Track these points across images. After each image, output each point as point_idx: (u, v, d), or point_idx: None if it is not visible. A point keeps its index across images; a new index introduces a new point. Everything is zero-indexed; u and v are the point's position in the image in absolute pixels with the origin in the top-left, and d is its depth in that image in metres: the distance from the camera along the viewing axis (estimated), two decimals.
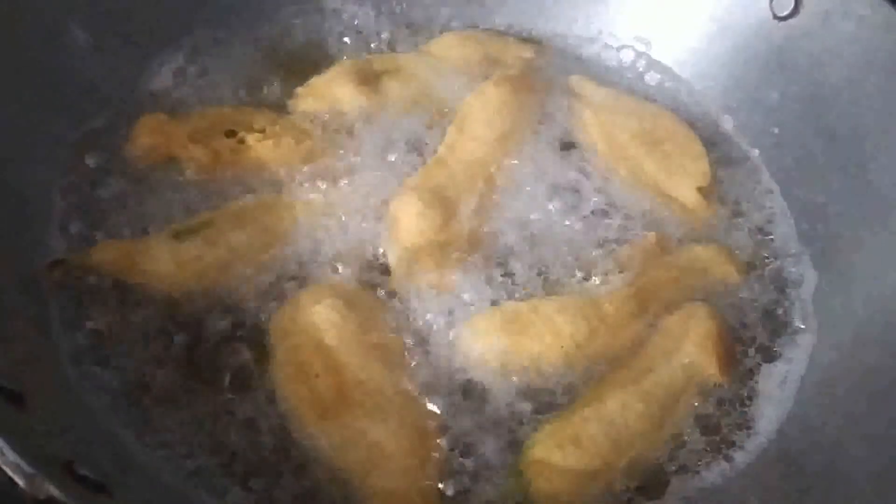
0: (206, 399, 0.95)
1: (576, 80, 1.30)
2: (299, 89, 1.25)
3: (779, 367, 1.03)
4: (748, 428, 0.98)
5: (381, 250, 1.08)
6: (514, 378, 0.98)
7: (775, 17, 1.23)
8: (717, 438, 0.97)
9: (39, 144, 1.07)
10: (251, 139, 1.14)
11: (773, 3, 1.23)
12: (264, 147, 1.14)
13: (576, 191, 1.16)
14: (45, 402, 0.83)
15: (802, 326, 1.07)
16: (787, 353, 1.05)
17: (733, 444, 0.97)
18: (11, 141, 1.03)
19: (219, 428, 0.93)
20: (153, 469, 0.88)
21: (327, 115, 1.21)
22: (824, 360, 1.03)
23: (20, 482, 0.69)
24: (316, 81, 1.26)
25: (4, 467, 0.69)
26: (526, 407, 0.97)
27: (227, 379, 0.97)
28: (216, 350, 0.98)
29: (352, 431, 0.91)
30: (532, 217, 1.13)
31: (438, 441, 0.94)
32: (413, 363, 0.99)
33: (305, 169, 1.14)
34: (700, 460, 0.95)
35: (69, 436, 0.82)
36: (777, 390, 1.01)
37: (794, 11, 1.21)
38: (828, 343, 1.04)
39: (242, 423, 0.94)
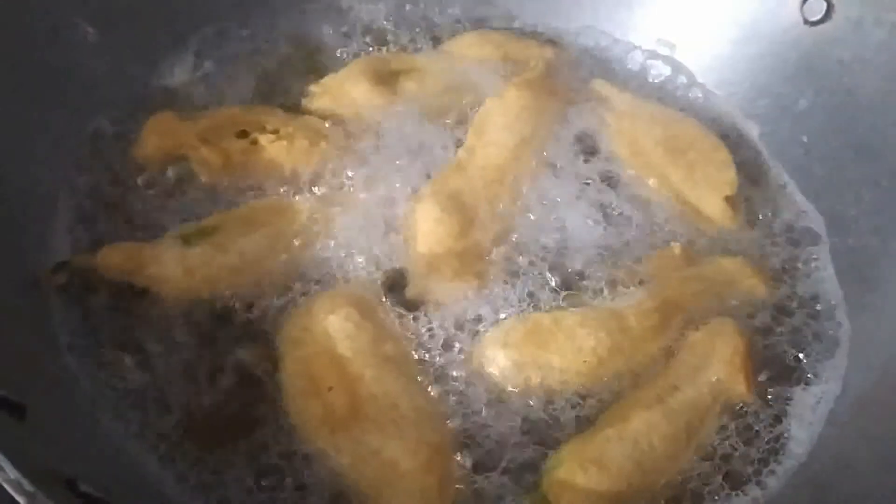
0: (216, 411, 0.91)
1: (598, 85, 1.26)
2: (313, 87, 1.21)
3: (811, 388, 0.99)
4: (779, 452, 0.94)
5: (397, 257, 1.04)
6: (536, 393, 0.95)
7: (805, 21, 1.19)
8: (748, 461, 0.93)
9: (45, 143, 1.03)
10: (264, 140, 1.11)
11: (804, 7, 1.19)
12: (277, 148, 1.10)
13: (598, 199, 1.13)
14: (48, 413, 0.80)
15: (835, 345, 1.03)
16: (819, 373, 1.01)
17: (763, 468, 0.93)
18: (16, 139, 1.00)
19: (229, 441, 0.90)
20: (159, 484, 0.85)
21: (342, 116, 1.18)
22: (858, 381, 0.99)
23: (21, 500, 0.66)
24: (330, 80, 1.22)
25: (5, 485, 0.65)
26: (547, 424, 0.93)
27: (236, 390, 0.93)
28: (225, 360, 0.95)
29: (365, 447, 0.88)
30: (552, 225, 1.09)
31: (456, 458, 0.90)
32: (430, 376, 0.95)
33: (319, 171, 1.11)
34: (729, 484, 0.91)
35: (73, 450, 0.79)
36: (809, 412, 0.97)
37: (826, 17, 1.17)
38: (861, 362, 1.01)
39: (252, 436, 0.90)
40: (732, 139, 1.23)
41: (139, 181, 1.07)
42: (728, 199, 1.14)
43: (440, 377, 0.95)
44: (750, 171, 1.20)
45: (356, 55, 1.27)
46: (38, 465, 0.69)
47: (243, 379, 0.94)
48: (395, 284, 1.02)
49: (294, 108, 1.18)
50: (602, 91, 1.25)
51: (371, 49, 1.29)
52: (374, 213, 1.07)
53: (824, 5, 1.17)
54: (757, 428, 0.95)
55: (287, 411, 0.91)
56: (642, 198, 1.14)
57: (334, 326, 0.94)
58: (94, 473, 0.75)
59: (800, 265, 1.11)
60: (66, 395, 0.88)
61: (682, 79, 1.30)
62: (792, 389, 0.99)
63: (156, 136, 1.09)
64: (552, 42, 1.32)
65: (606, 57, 1.32)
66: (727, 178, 1.17)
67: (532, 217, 1.09)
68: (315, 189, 1.09)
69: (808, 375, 1.01)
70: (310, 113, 1.18)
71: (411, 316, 0.99)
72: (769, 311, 1.06)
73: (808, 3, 1.19)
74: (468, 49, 1.28)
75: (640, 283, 1.05)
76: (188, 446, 0.89)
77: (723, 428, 0.95)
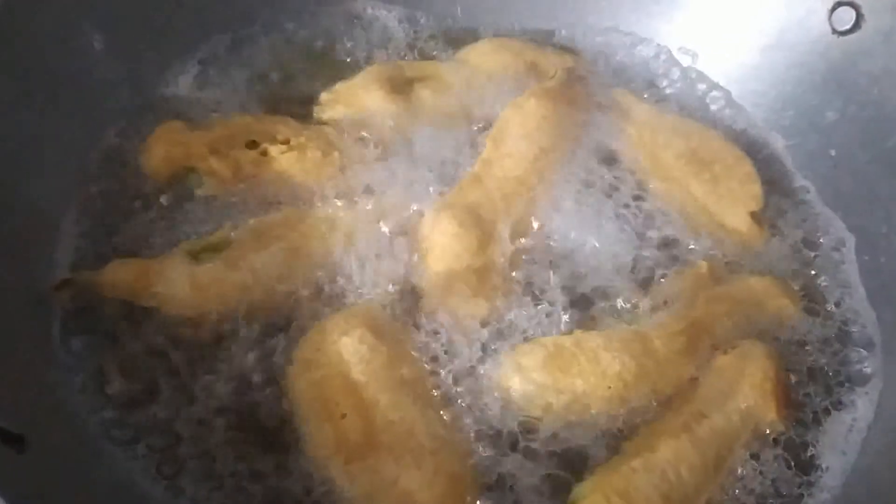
0: (225, 438, 0.88)
1: (618, 94, 1.22)
2: (324, 95, 1.17)
3: (843, 415, 0.96)
4: (812, 483, 0.91)
5: (413, 274, 1.00)
6: (557, 420, 0.91)
7: (834, 31, 1.15)
8: (779, 493, 0.89)
9: (51, 155, 1.00)
10: (274, 151, 1.07)
11: (833, 16, 1.15)
12: (288, 159, 1.07)
13: (619, 214, 1.09)
14: (48, 443, 0.76)
15: (867, 368, 1.00)
16: (852, 398, 0.97)
17: (796, 500, 0.89)
18: (22, 149, 0.96)
19: (238, 468, 0.86)
20: None
21: (355, 124, 1.14)
22: (893, 407, 0.95)
23: None
24: (343, 88, 1.18)
25: None
26: (570, 452, 0.90)
27: (246, 414, 0.89)
28: (235, 383, 0.91)
29: (380, 478, 0.84)
30: (573, 241, 1.05)
31: (474, 489, 0.86)
32: (447, 401, 0.92)
33: (332, 183, 1.07)
34: None
35: (75, 483, 0.75)
36: (842, 440, 0.94)
37: (855, 27, 1.14)
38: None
39: (262, 463, 0.87)
40: (757, 152, 1.19)
41: (146, 194, 1.04)
42: (753, 214, 1.11)
43: (458, 402, 0.92)
44: (776, 185, 1.16)
45: (370, 62, 1.23)
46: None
47: (254, 403, 0.91)
48: (411, 303, 0.98)
49: (306, 118, 1.14)
50: (622, 101, 1.21)
51: (385, 56, 1.25)
52: (388, 227, 1.04)
53: (853, 15, 1.13)
54: (789, 457, 0.92)
55: (300, 437, 0.87)
56: (665, 213, 1.10)
57: (348, 349, 0.91)
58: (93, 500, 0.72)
59: (829, 284, 1.07)
60: (68, 425, 0.84)
61: (706, 89, 1.26)
62: (824, 416, 0.96)
63: (163, 147, 1.05)
64: (571, 50, 1.29)
65: (627, 66, 1.28)
66: (752, 192, 1.13)
67: (552, 233, 1.06)
68: (327, 202, 1.05)
69: (841, 401, 0.97)
70: (322, 122, 1.15)
71: (428, 337, 0.96)
72: (799, 332, 1.02)
73: (836, 12, 1.15)
74: (485, 56, 1.25)
75: (666, 303, 1.01)
76: (197, 476, 0.85)
77: (753, 457, 0.91)
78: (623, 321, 1.00)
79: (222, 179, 1.04)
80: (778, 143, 1.21)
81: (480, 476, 0.87)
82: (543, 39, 1.30)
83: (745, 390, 0.93)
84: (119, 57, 1.09)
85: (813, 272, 1.08)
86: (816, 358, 1.00)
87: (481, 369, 0.94)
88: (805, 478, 0.91)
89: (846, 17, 1.14)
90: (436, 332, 0.96)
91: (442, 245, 1.01)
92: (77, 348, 0.91)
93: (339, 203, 1.05)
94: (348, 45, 1.26)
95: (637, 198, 1.11)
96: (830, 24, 1.16)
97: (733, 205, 1.11)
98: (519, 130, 1.12)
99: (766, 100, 1.23)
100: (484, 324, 0.97)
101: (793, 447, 0.92)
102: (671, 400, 0.94)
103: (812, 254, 1.10)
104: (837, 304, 1.05)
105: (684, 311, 0.99)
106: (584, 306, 1.01)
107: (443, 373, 0.93)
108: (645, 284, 1.03)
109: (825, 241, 1.11)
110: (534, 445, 0.90)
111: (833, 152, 1.16)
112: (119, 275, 0.93)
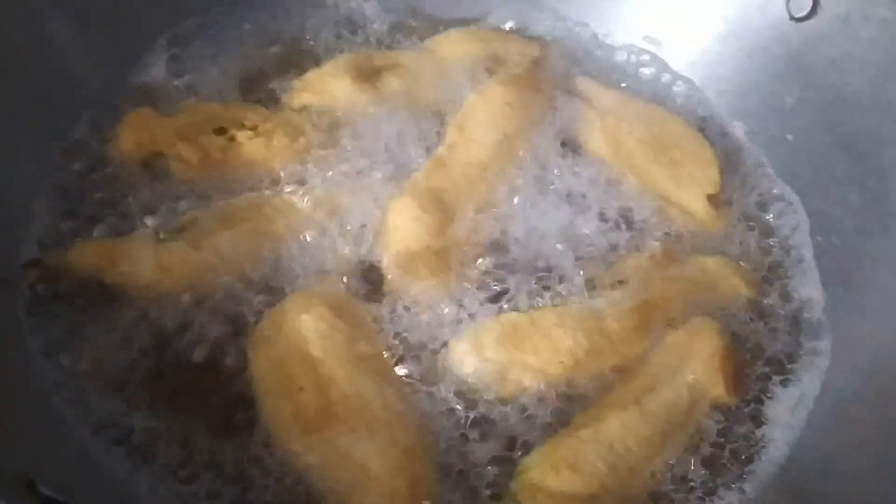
0: (185, 411, 0.90)
1: (582, 82, 1.24)
2: (294, 83, 1.20)
3: (790, 390, 0.98)
4: (757, 455, 0.93)
5: (375, 256, 1.03)
6: (510, 394, 0.94)
7: (792, 18, 1.17)
8: (725, 465, 0.92)
9: (19, 140, 1.02)
10: (242, 137, 1.09)
11: (790, 3, 1.17)
12: (256, 145, 1.09)
13: (580, 197, 1.11)
14: (6, 410, 0.78)
15: (816, 346, 1.02)
16: (799, 374, 1.00)
17: (742, 471, 0.92)
18: None
19: (198, 441, 0.89)
20: (124, 484, 0.83)
21: (323, 112, 1.16)
22: (839, 383, 0.98)
23: None
24: (312, 76, 1.20)
25: None
26: (521, 425, 0.92)
27: (210, 391, 0.92)
28: (199, 360, 0.94)
29: (336, 449, 0.86)
30: (533, 224, 1.08)
31: (427, 461, 0.89)
32: (403, 377, 0.94)
33: (298, 168, 1.09)
34: (706, 489, 0.90)
35: (33, 449, 0.77)
36: (788, 414, 0.96)
37: (812, 12, 1.15)
38: (843, 364, 0.99)
39: (222, 436, 0.89)
40: (717, 137, 1.22)
41: (114, 178, 1.06)
42: (711, 197, 1.13)
43: (414, 377, 0.94)
44: (734, 169, 1.18)
45: (340, 51, 1.25)
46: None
47: (218, 380, 0.93)
48: (372, 283, 1.01)
49: (274, 104, 1.17)
50: (586, 89, 1.23)
51: (355, 45, 1.27)
52: (352, 210, 1.06)
53: (810, 1, 1.15)
54: (736, 430, 0.94)
55: (259, 413, 0.90)
56: (624, 196, 1.12)
57: (307, 326, 0.93)
58: (55, 475, 0.74)
59: (783, 264, 1.10)
60: (28, 392, 0.87)
61: (668, 76, 1.28)
62: (771, 391, 0.98)
63: (132, 133, 1.07)
64: (537, 38, 1.30)
65: (592, 54, 1.30)
66: (710, 176, 1.15)
67: (512, 215, 1.08)
68: (293, 186, 1.08)
69: (789, 377, 1.00)
70: (291, 109, 1.17)
71: (386, 315, 0.98)
72: (750, 310, 1.04)
73: None
74: (453, 46, 1.27)
75: (620, 282, 1.03)
76: (157, 447, 0.88)
77: (701, 430, 0.93)
78: (580, 300, 1.02)
79: (190, 165, 1.06)
80: (737, 129, 1.23)
81: (434, 448, 0.89)
82: (511, 29, 1.33)
83: (694, 365, 0.95)
84: (86, 44, 1.10)
85: (767, 253, 1.10)
86: (766, 335, 1.02)
87: (438, 346, 0.96)
88: (752, 451, 0.93)
89: (803, 2, 1.15)
90: (395, 312, 0.99)
91: (402, 227, 1.03)
92: (43, 325, 0.93)
93: (304, 187, 1.08)
94: (320, 33, 1.28)
95: (598, 182, 1.13)
96: (788, 11, 1.17)
97: (691, 188, 1.14)
98: (483, 117, 1.14)
99: (727, 86, 1.25)
100: (442, 303, 0.99)
101: (740, 420, 0.95)
102: (623, 374, 0.96)
103: (767, 235, 1.12)
104: (790, 283, 1.08)
105: (638, 291, 1.01)
106: (543, 286, 1.03)
107: (400, 350, 0.96)
108: (602, 264, 1.05)
109: (780, 223, 1.13)
110: (486, 418, 0.92)
111: (790, 137, 1.18)
112: (86, 255, 0.96)
